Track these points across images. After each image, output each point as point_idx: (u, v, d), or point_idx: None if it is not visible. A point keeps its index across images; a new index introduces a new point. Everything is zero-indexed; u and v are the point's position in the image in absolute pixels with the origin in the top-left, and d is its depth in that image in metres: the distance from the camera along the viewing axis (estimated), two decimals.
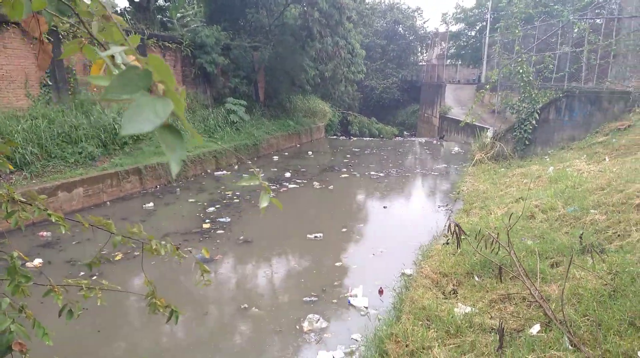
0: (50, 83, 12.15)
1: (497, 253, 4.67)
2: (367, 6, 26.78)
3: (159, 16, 20.42)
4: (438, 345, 3.89)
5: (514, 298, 4.54)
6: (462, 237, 4.77)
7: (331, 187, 13.49)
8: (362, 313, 6.39)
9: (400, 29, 39.58)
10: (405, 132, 33.11)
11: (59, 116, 11.38)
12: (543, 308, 4.06)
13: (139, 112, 0.71)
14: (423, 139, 25.92)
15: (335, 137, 26.62)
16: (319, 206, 12.01)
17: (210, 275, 2.53)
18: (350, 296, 6.82)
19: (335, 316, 6.26)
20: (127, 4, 19.43)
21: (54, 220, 1.96)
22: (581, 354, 3.21)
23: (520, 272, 4.48)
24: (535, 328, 3.76)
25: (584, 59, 12.91)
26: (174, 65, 17.26)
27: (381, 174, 15.22)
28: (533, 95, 12.20)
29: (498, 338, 3.24)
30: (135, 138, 13.08)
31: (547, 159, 11.25)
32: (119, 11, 18.98)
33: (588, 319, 3.64)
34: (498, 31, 15.19)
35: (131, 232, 2.16)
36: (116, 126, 12.28)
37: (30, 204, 1.94)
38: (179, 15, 20.80)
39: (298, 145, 21.65)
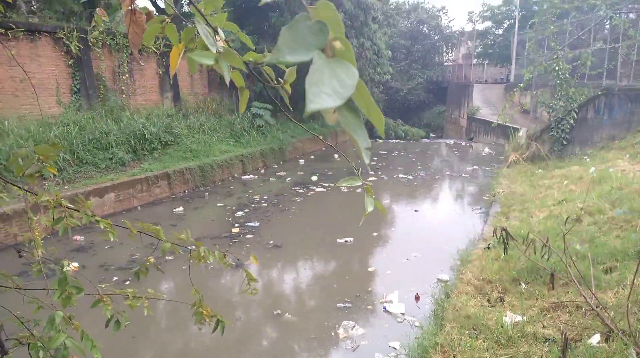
0: (80, 90, 12.37)
1: (547, 258, 4.39)
2: (391, 6, 26.51)
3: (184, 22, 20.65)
4: (489, 356, 3.65)
5: (567, 307, 4.26)
6: (509, 242, 4.52)
7: (359, 191, 13.27)
8: (399, 320, 6.18)
9: (425, 29, 39.07)
10: (431, 134, 32.58)
11: (90, 122, 11.55)
12: (600, 317, 3.78)
13: (320, 80, 0.54)
14: (451, 141, 25.43)
15: None
16: (348, 210, 11.82)
17: (257, 284, 2.40)
18: (385, 302, 6.62)
19: (370, 323, 6.07)
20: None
21: (102, 227, 1.85)
22: None
23: (573, 279, 4.20)
24: (595, 338, 3.49)
25: (622, 55, 12.37)
26: (200, 70, 17.40)
27: (410, 177, 14.93)
28: (570, 93, 11.73)
29: (561, 349, 3.00)
30: (163, 142, 13.22)
31: (587, 159, 10.78)
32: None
33: None
34: (532, 27, 14.72)
35: (179, 238, 2.04)
36: (145, 132, 12.40)
37: (78, 211, 1.84)
38: None
39: (323, 148, 21.53)
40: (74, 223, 1.82)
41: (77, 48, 11.99)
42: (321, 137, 2.42)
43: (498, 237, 4.55)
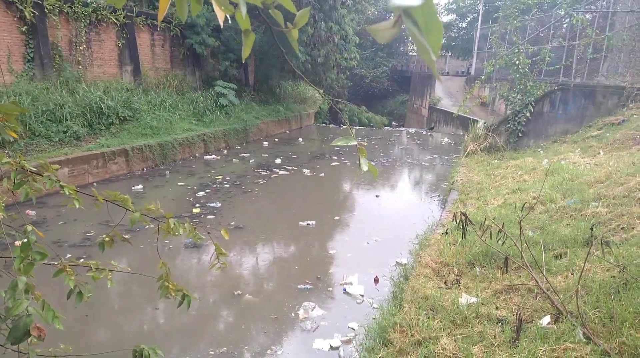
0: (34, 59, 11.66)
1: (503, 243, 4.57)
2: None
3: None
4: (445, 335, 3.79)
5: (520, 290, 4.47)
6: (468, 227, 4.67)
7: (322, 175, 13.33)
8: (358, 301, 6.30)
9: (391, 17, 39.16)
10: (393, 122, 33.02)
11: (43, 93, 10.94)
12: (550, 300, 3.99)
13: None
14: (413, 130, 25.88)
15: (324, 125, 26.40)
16: (310, 194, 11.86)
17: (226, 258, 2.36)
18: (345, 284, 6.72)
19: (330, 304, 6.15)
20: None
21: (67, 193, 1.76)
22: (595, 346, 3.14)
23: (526, 263, 4.40)
24: (546, 320, 3.68)
25: (578, 52, 12.90)
26: (162, 45, 16.77)
27: (372, 163, 15.08)
28: (528, 87, 12.17)
29: (514, 329, 3.15)
30: (121, 118, 12.74)
31: (541, 151, 11.25)
32: None
33: (599, 311, 3.57)
34: (496, 21, 15.09)
35: (148, 209, 1.97)
36: (102, 105, 11.87)
37: (41, 175, 1.74)
38: None
39: (287, 131, 21.40)
40: (38, 188, 1.72)
41: (32, 14, 11.26)
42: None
43: (457, 222, 4.68)
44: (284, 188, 11.88)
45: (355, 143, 1.15)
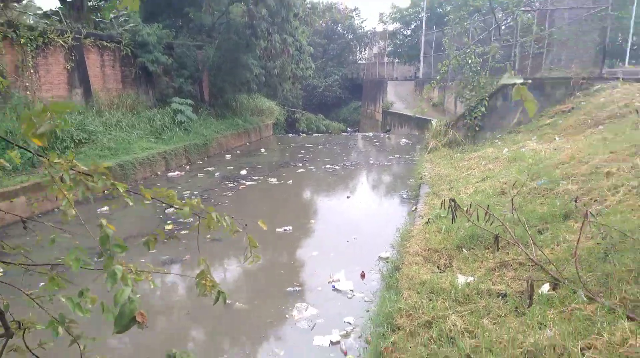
0: None
1: (491, 223, 4.75)
2: (308, 6, 26.82)
3: (93, 17, 19.19)
4: (452, 313, 3.88)
5: (512, 265, 4.65)
6: (457, 212, 4.82)
7: (290, 182, 13.31)
8: (349, 296, 6.33)
9: (339, 28, 40.14)
10: (348, 129, 33.55)
11: None
12: (545, 270, 4.18)
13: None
14: (370, 134, 26.39)
15: (283, 135, 26.42)
16: (282, 201, 11.80)
17: (257, 251, 2.32)
18: (333, 282, 6.74)
19: (322, 302, 6.14)
20: (58, 4, 18.07)
21: (121, 190, 1.71)
22: (599, 304, 3.32)
23: (515, 240, 4.60)
24: (546, 288, 3.85)
25: (523, 49, 13.71)
26: (112, 65, 16.25)
27: (337, 167, 15.25)
28: (481, 84, 12.77)
29: (528, 295, 3.28)
30: (77, 141, 12.23)
31: (499, 143, 11.79)
32: (48, 12, 17.58)
33: (594, 275, 3.78)
34: (446, 24, 15.77)
35: (190, 204, 1.93)
36: (56, 130, 11.30)
37: (91, 176, 1.67)
38: (112, 15, 19.66)
39: (248, 143, 21.23)
40: (97, 189, 1.65)
41: None
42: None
43: (447, 208, 4.82)
44: (254, 197, 11.76)
45: (521, 80, 1.21)
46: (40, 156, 1.73)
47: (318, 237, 8.81)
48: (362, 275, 6.90)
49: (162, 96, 18.14)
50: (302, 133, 26.77)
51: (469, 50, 12.84)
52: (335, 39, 39.39)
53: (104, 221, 1.59)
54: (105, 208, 10.05)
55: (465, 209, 5.18)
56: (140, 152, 13.44)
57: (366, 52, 43.16)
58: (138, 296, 1.78)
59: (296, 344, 5.21)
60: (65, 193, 1.63)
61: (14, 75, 12.06)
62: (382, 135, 25.05)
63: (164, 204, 7.54)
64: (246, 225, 2.48)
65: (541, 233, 5.19)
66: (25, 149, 1.92)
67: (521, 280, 4.31)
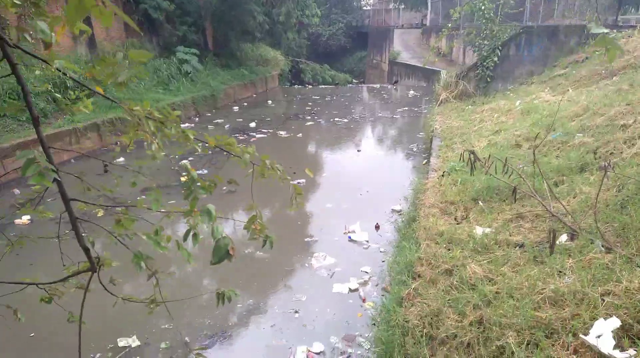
0: None
1: (509, 175, 4.87)
2: None
3: None
4: (472, 262, 4.07)
5: (528, 217, 4.80)
6: (477, 163, 4.92)
7: (299, 135, 13.34)
8: (364, 247, 6.57)
9: None
10: (354, 80, 32.97)
11: (1, 71, 10.20)
12: (562, 222, 4.33)
13: None
14: (377, 85, 26.00)
15: (288, 86, 26.06)
16: (293, 154, 11.89)
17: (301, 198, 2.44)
18: (349, 233, 6.97)
19: (339, 252, 6.38)
20: None
21: (191, 137, 1.79)
22: (616, 254, 3.48)
23: (533, 191, 4.72)
24: (564, 238, 4.02)
25: None
26: (115, 12, 15.81)
27: (346, 120, 15.21)
28: (494, 32, 12.46)
29: (549, 244, 3.44)
30: (87, 93, 12.13)
31: (510, 94, 11.69)
32: None
33: (611, 226, 3.93)
34: None
35: (246, 151, 2.00)
36: (65, 80, 11.24)
37: (163, 123, 1.74)
38: None
39: (254, 95, 21.02)
40: (169, 135, 1.73)
41: None
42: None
43: (466, 160, 4.92)
44: (265, 150, 11.83)
45: (606, 30, 1.26)
46: (114, 101, 1.83)
47: (331, 190, 8.96)
48: (377, 227, 7.11)
49: (166, 45, 17.77)
50: (308, 84, 26.37)
51: None
52: None
53: (187, 164, 1.71)
54: (121, 158, 10.17)
55: (484, 160, 5.27)
56: (149, 104, 13.38)
57: None
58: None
59: (317, 291, 5.48)
60: (152, 137, 1.73)
61: (16, 24, 11.82)
62: (389, 86, 24.70)
63: (177, 156, 7.65)
64: (294, 173, 2.59)
65: (557, 185, 5.31)
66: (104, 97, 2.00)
67: (538, 231, 4.47)
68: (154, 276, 2.53)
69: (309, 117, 15.69)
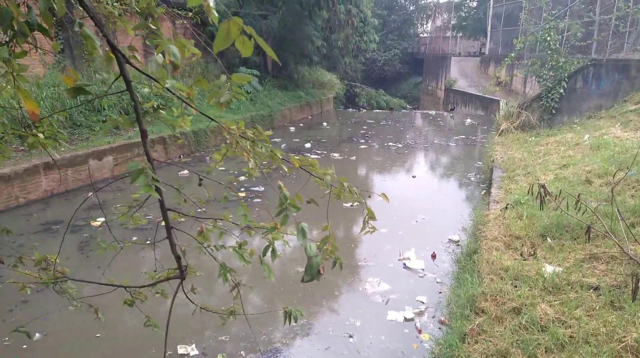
0: (64, 50, 11.73)
1: (582, 213, 4.64)
2: None
3: None
4: (542, 302, 3.88)
5: (602, 258, 4.54)
6: (547, 198, 4.73)
7: (353, 158, 13.39)
8: (420, 275, 6.43)
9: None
10: (407, 105, 32.88)
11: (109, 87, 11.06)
12: None
13: None
14: (433, 112, 25.77)
15: (342, 109, 26.34)
16: (346, 177, 11.92)
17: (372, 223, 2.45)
18: (404, 260, 6.85)
19: (394, 279, 6.27)
20: None
21: (279, 157, 1.87)
22: None
23: (608, 231, 4.47)
24: None
25: (607, 26, 12.74)
26: (183, 34, 16.77)
27: (400, 145, 15.13)
28: (560, 63, 12.08)
29: (632, 290, 3.23)
30: (154, 106, 12.82)
31: (578, 128, 11.22)
32: None
33: None
34: None
35: (327, 173, 2.05)
36: (137, 93, 11.95)
37: (253, 141, 1.84)
38: None
39: (309, 117, 21.41)
40: (259, 152, 1.81)
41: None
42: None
43: (534, 193, 4.74)
44: (319, 171, 11.96)
45: None
46: (214, 120, 1.95)
47: (385, 215, 8.86)
48: (433, 256, 6.96)
49: (228, 65, 18.54)
50: (362, 108, 26.53)
51: (548, 26, 12.12)
52: (396, 10, 38.19)
53: (282, 184, 1.78)
54: (185, 171, 10.60)
55: (555, 195, 5.07)
56: (211, 121, 13.96)
57: (428, 25, 41.64)
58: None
59: (371, 317, 5.39)
60: (249, 156, 1.82)
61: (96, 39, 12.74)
62: (444, 114, 24.42)
63: (236, 172, 7.91)
64: (370, 196, 2.59)
65: (634, 227, 5.01)
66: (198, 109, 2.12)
67: (614, 273, 4.22)
68: (236, 288, 2.62)
69: (363, 141, 15.75)
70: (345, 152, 14.00)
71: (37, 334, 4.78)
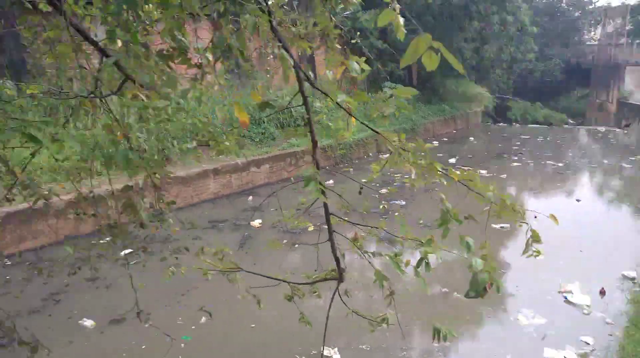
0: (232, 71, 13.26)
1: None
2: None
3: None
4: None
5: None
6: None
7: (503, 176, 12.47)
8: (585, 312, 5.68)
9: (563, 4, 35.20)
10: (569, 120, 29.45)
11: (245, 100, 12.36)
12: None
13: None
14: (603, 128, 22.70)
15: (492, 123, 24.76)
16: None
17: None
18: (565, 292, 6.11)
19: (551, 312, 5.64)
20: None
21: (439, 169, 1.89)
22: None
23: None
24: None
25: None
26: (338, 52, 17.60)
27: (560, 164, 13.62)
28: None
29: None
30: (306, 120, 13.69)
31: None
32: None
33: None
34: None
35: (488, 189, 1.95)
36: (292, 109, 12.90)
37: (406, 150, 1.87)
38: None
39: (454, 131, 20.62)
40: (423, 166, 1.82)
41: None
42: None
43: None
44: (465, 188, 11.41)
45: None
46: (375, 131, 2.04)
47: (543, 240, 8.05)
48: (602, 292, 6.09)
49: (374, 79, 18.88)
50: (515, 123, 24.58)
51: None
52: (557, 16, 34.62)
53: (443, 196, 1.78)
54: (331, 181, 11.06)
55: None
56: (355, 133, 14.36)
57: (597, 31, 36.87)
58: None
59: (524, 352, 4.94)
60: (410, 166, 1.86)
61: (256, 58, 14.14)
62: (617, 130, 21.35)
63: (377, 185, 7.94)
64: (535, 217, 2.35)
65: None
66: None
67: None
68: (390, 297, 2.64)
69: (516, 158, 14.58)
70: (494, 169, 13.11)
71: (203, 318, 5.40)
